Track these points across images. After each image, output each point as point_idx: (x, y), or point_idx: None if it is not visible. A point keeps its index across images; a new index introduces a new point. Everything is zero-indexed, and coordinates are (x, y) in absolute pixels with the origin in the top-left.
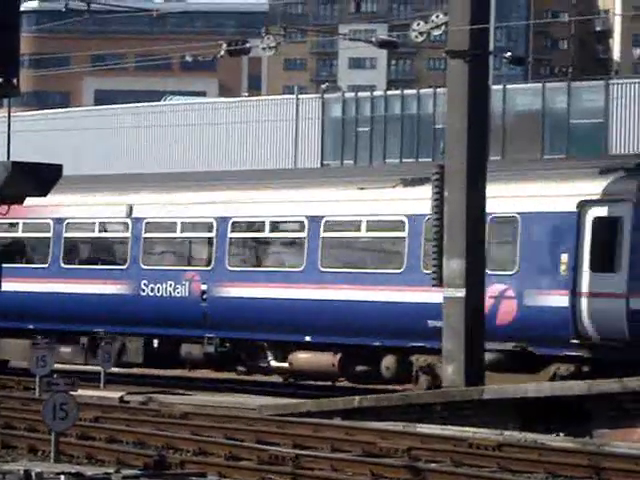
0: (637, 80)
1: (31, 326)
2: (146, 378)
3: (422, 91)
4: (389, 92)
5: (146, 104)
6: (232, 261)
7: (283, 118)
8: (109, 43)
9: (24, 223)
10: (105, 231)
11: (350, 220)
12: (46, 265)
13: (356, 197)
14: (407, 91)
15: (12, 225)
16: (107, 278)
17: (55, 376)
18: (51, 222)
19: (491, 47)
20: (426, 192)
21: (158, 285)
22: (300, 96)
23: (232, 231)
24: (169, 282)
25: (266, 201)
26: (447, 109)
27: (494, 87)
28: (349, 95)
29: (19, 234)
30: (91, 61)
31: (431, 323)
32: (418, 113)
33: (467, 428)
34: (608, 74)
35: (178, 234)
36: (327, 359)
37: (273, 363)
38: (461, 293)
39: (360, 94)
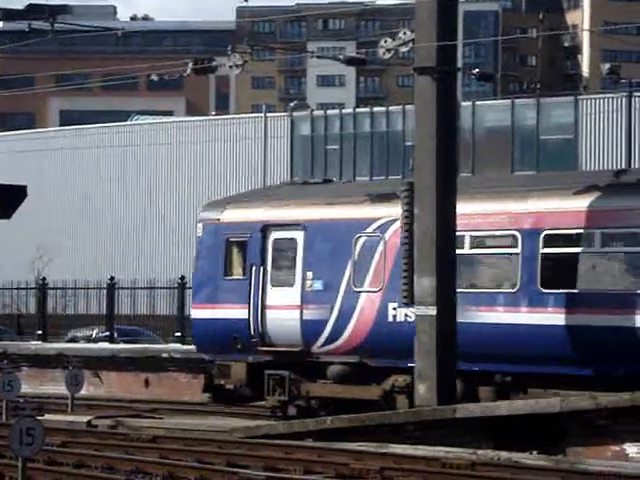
0: (606, 95)
1: None
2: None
3: (391, 108)
4: (358, 110)
5: (112, 124)
6: None
7: (252, 136)
8: (74, 63)
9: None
10: None
11: None
12: None
13: None
14: (376, 108)
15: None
16: None
17: (21, 400)
18: None
19: (459, 64)
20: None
21: None
22: (269, 114)
23: None
24: None
25: None
26: (416, 126)
27: (463, 103)
28: (318, 113)
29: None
30: (56, 81)
31: None
32: (387, 130)
33: (440, 447)
34: (577, 90)
35: None
36: None
37: None
38: (433, 311)
39: (329, 112)
